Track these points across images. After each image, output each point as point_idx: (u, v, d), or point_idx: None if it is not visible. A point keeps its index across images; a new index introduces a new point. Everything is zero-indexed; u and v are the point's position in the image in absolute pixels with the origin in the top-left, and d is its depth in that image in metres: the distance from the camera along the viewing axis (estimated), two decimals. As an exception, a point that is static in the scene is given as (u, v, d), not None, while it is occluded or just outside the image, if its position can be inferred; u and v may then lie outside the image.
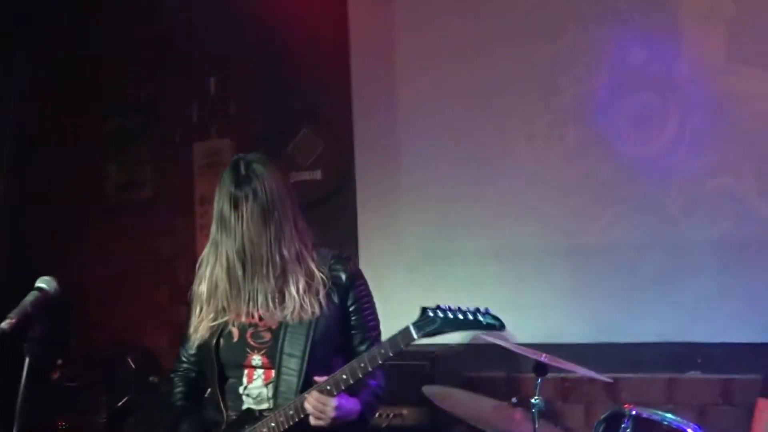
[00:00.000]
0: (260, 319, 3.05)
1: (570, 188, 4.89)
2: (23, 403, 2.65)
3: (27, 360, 2.67)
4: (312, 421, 2.90)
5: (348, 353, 3.02)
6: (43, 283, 2.82)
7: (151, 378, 5.45)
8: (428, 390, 3.85)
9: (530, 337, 4.20)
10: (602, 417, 3.26)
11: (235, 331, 3.07)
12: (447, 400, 3.78)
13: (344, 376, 2.88)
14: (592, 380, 4.50)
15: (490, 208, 5.04)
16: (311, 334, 3.00)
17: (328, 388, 2.89)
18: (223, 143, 5.75)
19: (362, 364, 2.88)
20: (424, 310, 2.85)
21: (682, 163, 4.63)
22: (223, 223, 3.02)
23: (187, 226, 5.87)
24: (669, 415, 3.13)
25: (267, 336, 3.04)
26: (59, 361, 5.49)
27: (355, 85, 5.38)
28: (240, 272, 3.00)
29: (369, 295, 3.17)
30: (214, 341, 3.08)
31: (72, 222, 6.25)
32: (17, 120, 6.37)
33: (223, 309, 3.07)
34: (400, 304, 2.90)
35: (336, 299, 3.06)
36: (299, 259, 3.02)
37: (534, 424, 3.40)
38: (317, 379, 2.93)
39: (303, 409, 2.91)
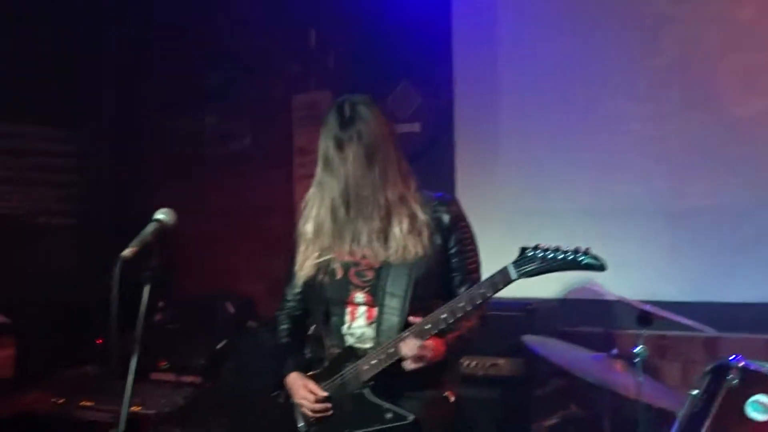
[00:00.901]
0: (363, 257, 3.05)
1: (672, 149, 4.77)
2: (142, 330, 2.69)
3: (147, 288, 2.70)
4: (409, 364, 2.90)
5: (447, 295, 2.99)
6: (161, 214, 2.85)
7: (249, 323, 5.53)
8: (528, 338, 3.84)
9: (627, 294, 4.12)
10: (708, 368, 3.16)
11: (339, 269, 3.08)
12: (545, 349, 3.77)
13: (443, 315, 2.88)
14: (690, 338, 4.44)
15: (588, 166, 4.96)
16: (413, 274, 3.00)
17: (427, 327, 2.89)
18: (322, 95, 5.76)
19: (461, 304, 2.87)
20: (523, 249, 2.84)
21: (790, 124, 4.51)
22: (327, 164, 3.03)
23: (284, 178, 5.91)
24: (779, 368, 3.02)
25: (370, 275, 3.05)
26: (161, 304, 5.63)
27: (455, 39, 5.34)
28: (343, 212, 3.02)
29: (472, 237, 3.15)
30: (319, 278, 3.11)
31: (171, 171, 6.36)
32: (120, 73, 6.54)
33: (328, 247, 3.08)
34: (496, 258, 2.89)
35: (439, 241, 3.05)
36: (403, 200, 3.02)
37: (638, 374, 3.35)
38: (412, 319, 2.93)
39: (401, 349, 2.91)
